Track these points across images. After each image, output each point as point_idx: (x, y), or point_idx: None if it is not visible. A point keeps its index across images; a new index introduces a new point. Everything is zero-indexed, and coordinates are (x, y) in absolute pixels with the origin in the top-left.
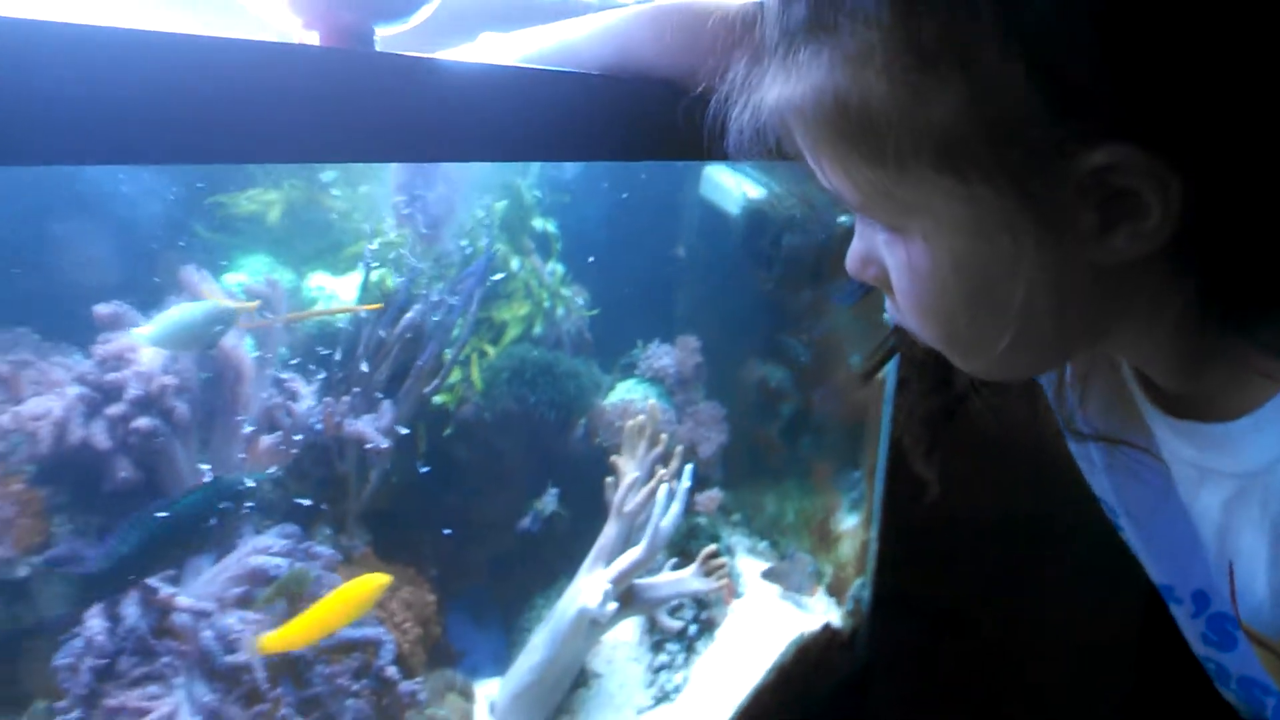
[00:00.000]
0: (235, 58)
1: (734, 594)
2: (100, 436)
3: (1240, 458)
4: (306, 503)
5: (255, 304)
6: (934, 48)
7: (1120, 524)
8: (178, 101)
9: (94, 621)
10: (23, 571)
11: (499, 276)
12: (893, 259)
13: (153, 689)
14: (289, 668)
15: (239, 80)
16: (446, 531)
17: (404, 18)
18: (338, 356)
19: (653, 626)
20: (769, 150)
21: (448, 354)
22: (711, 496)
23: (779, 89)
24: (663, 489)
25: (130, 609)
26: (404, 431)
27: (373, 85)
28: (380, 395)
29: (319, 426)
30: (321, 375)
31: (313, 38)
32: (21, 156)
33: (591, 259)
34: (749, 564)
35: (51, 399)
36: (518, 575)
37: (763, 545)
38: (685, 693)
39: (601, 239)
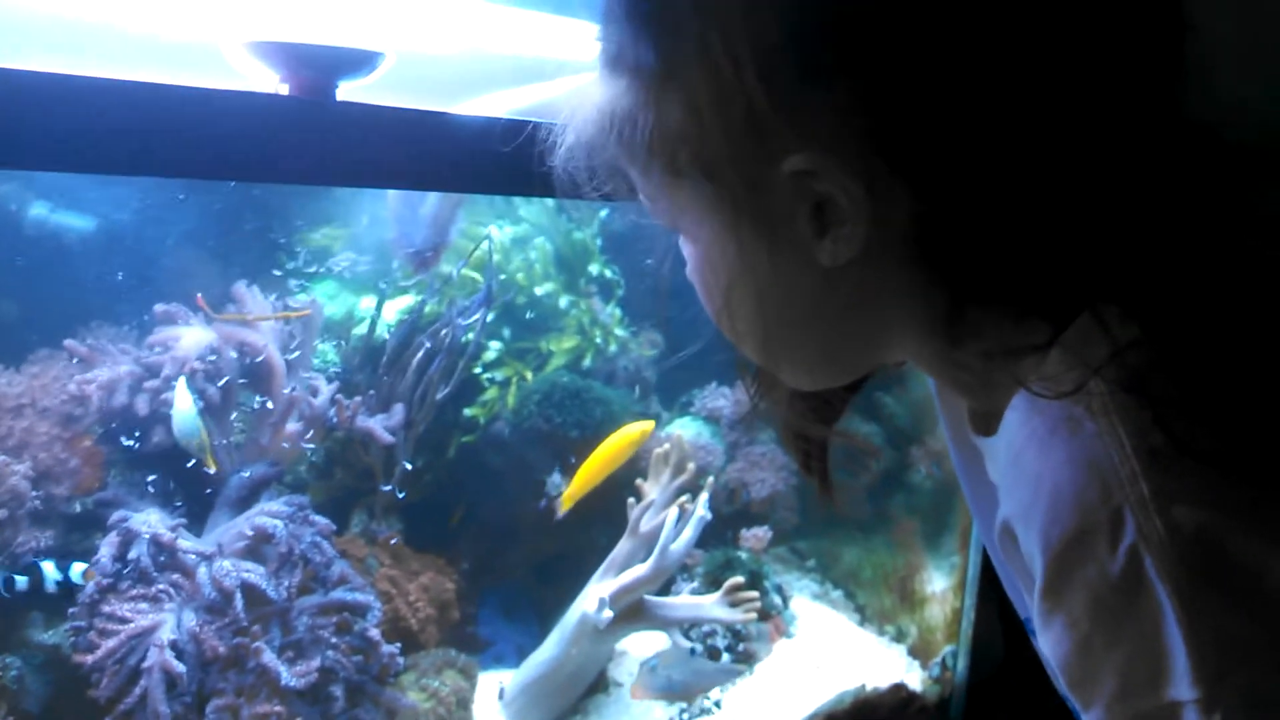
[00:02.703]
0: (230, 106)
1: (782, 633)
2: (141, 405)
3: (995, 470)
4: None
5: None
6: (654, 68)
7: None
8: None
9: (104, 550)
10: (77, 508)
11: (485, 315)
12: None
13: (143, 606)
14: (279, 615)
15: (232, 120)
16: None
17: (362, 73)
18: (356, 362)
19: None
20: (590, 183)
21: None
22: (758, 535)
23: (586, 110)
24: (672, 513)
25: (140, 544)
26: (407, 466)
27: (327, 126)
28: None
29: (334, 419)
30: (337, 377)
31: (284, 89)
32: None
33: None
34: (812, 608)
35: (105, 371)
36: (557, 579)
37: (836, 594)
38: (714, 716)
39: (678, 286)
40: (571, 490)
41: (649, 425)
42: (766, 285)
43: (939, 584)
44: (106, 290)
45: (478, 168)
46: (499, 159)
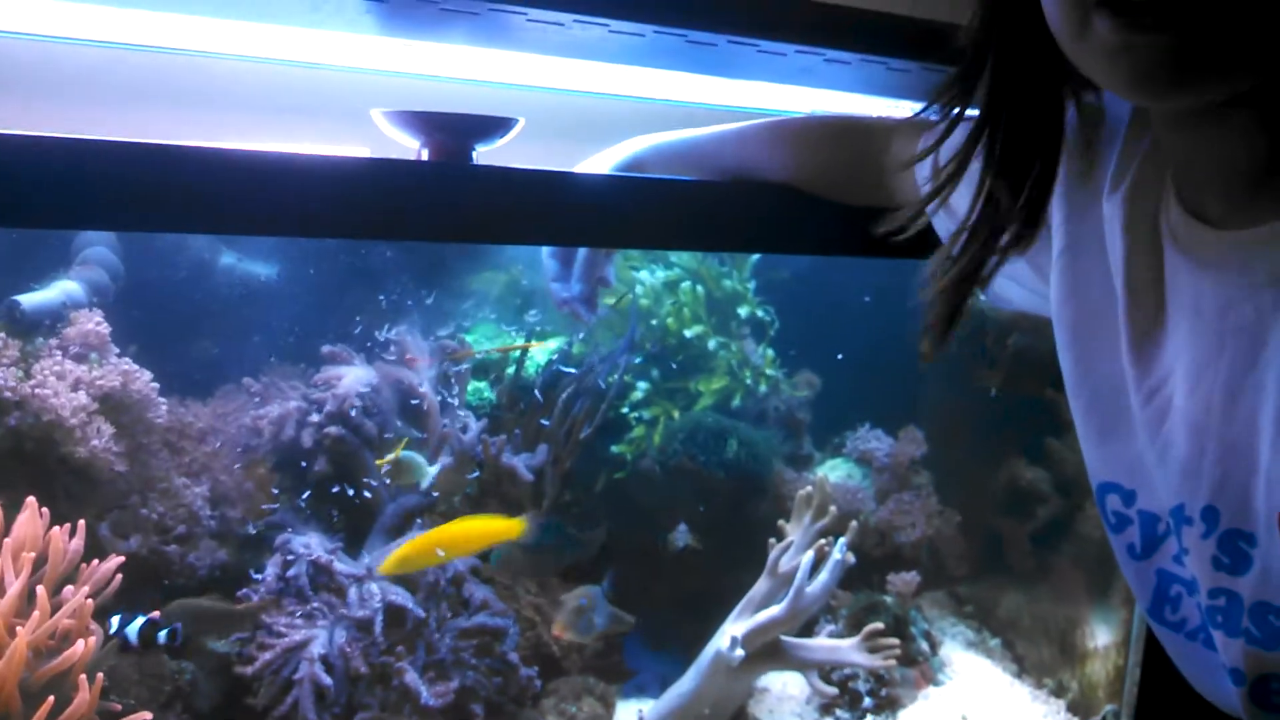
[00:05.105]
0: (379, 173)
1: (929, 680)
2: (306, 437)
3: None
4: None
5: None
6: None
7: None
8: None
9: (270, 568)
10: (251, 530)
11: (633, 358)
12: None
13: (298, 622)
14: (423, 636)
15: (381, 186)
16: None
17: (496, 138)
18: (506, 401)
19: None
20: None
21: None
22: (906, 579)
23: None
24: (807, 556)
25: (299, 564)
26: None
27: (465, 186)
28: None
29: (480, 455)
30: (491, 415)
31: (424, 154)
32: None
33: (839, 356)
34: (965, 657)
35: (276, 407)
36: (706, 613)
37: (993, 643)
38: None
39: (839, 330)
40: (399, 556)
41: (517, 527)
42: None
43: (1103, 639)
44: (283, 332)
45: (601, 222)
46: (620, 213)
